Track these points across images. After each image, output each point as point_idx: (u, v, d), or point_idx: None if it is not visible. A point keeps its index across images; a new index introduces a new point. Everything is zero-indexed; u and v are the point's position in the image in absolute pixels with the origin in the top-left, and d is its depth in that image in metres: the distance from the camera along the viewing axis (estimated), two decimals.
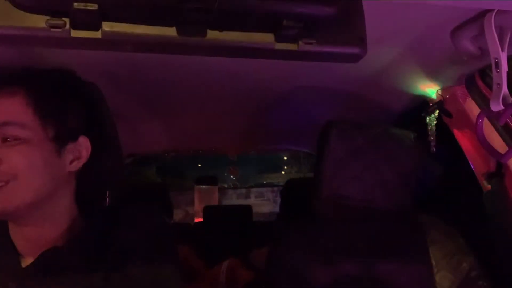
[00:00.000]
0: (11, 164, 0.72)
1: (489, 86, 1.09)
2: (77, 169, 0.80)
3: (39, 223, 0.77)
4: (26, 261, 0.76)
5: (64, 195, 0.80)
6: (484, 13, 0.84)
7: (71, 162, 0.79)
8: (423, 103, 1.34)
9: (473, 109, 1.16)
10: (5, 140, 0.73)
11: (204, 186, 4.97)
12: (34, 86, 0.77)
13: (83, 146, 0.80)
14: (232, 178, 7.53)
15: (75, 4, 0.59)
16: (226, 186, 7.10)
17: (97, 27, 0.65)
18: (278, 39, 0.71)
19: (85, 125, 0.82)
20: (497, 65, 0.85)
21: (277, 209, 2.30)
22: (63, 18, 0.63)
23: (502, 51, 0.84)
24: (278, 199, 2.23)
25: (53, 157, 0.76)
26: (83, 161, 0.80)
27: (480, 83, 1.12)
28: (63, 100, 0.80)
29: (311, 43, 0.71)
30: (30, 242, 0.77)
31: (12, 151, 0.72)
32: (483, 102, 1.11)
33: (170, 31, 0.68)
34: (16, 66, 0.80)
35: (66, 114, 0.79)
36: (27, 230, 0.77)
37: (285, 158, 8.00)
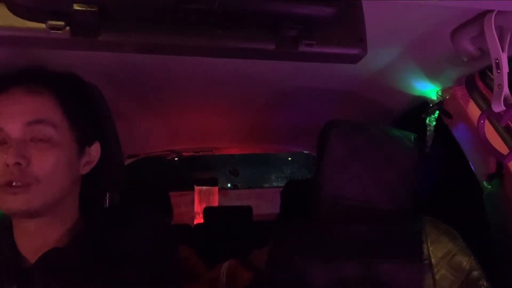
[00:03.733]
0: (39, 167, 0.72)
1: (489, 87, 1.09)
2: (86, 172, 0.81)
3: (47, 223, 0.77)
4: (28, 262, 0.76)
5: (72, 196, 0.81)
6: (484, 13, 0.84)
7: (84, 165, 0.80)
8: (423, 103, 1.34)
9: (473, 110, 1.16)
10: (36, 139, 0.73)
11: (204, 187, 4.97)
12: (59, 87, 0.77)
13: (95, 151, 0.82)
14: (232, 178, 7.52)
15: (75, 5, 0.59)
16: (226, 187, 7.09)
17: (97, 29, 0.65)
18: (278, 40, 0.71)
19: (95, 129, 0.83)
20: (498, 65, 0.85)
21: (277, 210, 2.29)
22: (63, 20, 0.63)
23: (503, 51, 0.84)
24: (278, 200, 2.22)
25: (74, 159, 0.78)
26: (93, 165, 0.82)
27: (480, 83, 1.12)
28: (83, 103, 0.81)
29: (311, 44, 0.71)
30: (35, 242, 0.77)
31: (43, 155, 0.72)
32: (484, 103, 1.11)
33: (170, 32, 0.68)
34: (31, 66, 0.79)
35: (86, 117, 0.81)
36: (35, 230, 0.77)
37: (285, 158, 7.99)
